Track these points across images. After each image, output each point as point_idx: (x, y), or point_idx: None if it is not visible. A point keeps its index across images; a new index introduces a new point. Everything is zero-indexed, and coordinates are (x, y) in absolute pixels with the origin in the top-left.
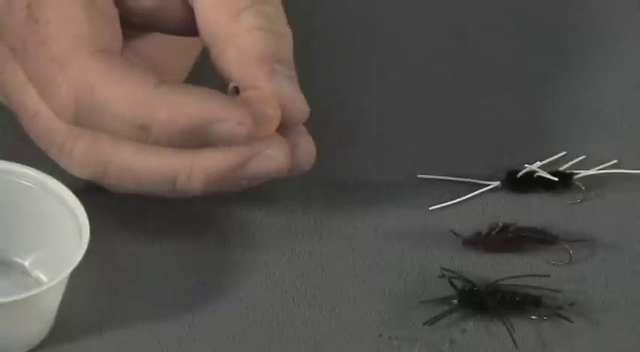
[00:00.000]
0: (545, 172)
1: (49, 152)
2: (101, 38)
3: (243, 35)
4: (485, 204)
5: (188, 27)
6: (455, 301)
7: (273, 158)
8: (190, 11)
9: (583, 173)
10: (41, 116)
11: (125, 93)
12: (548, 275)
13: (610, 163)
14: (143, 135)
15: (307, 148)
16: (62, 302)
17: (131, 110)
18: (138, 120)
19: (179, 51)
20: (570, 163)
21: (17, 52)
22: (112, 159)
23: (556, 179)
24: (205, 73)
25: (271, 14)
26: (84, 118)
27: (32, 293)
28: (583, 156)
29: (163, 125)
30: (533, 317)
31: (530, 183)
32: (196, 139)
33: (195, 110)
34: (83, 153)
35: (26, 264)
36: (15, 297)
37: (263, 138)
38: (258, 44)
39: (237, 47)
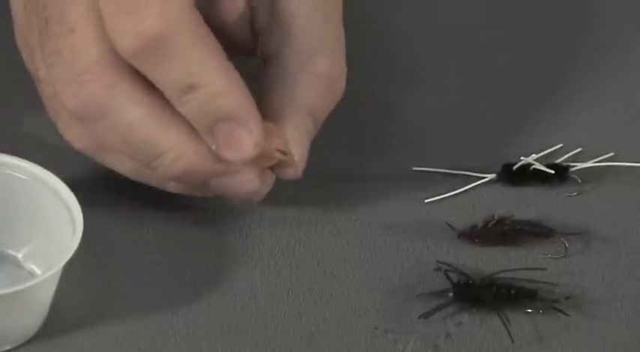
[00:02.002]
0: (541, 165)
1: (61, 71)
2: None
3: (308, 74)
4: (481, 196)
5: (246, 47)
6: (450, 294)
7: (249, 183)
8: (251, 34)
9: (579, 165)
10: (78, 33)
11: (202, 51)
12: (544, 269)
13: (607, 156)
14: (181, 96)
15: (270, 181)
16: (56, 294)
17: (197, 67)
18: (194, 79)
19: None
20: (567, 156)
21: None
22: (119, 108)
23: (552, 172)
24: None
25: (342, 67)
26: (149, 50)
27: (25, 285)
28: (579, 149)
29: (210, 95)
30: (529, 310)
31: (526, 176)
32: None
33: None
34: (96, 89)
35: (19, 256)
36: (8, 290)
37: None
38: (313, 93)
39: (296, 82)
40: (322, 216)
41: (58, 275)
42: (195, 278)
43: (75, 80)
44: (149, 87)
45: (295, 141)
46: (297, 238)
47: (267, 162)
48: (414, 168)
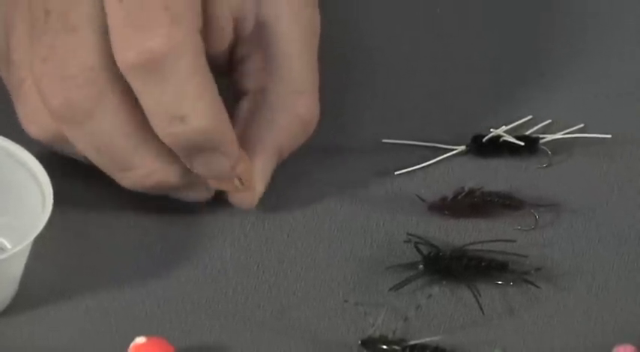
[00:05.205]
0: (510, 136)
1: (52, 68)
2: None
3: (289, 115)
4: (451, 168)
5: (218, 70)
6: (420, 266)
7: (202, 192)
8: (227, 60)
9: (549, 137)
10: (79, 34)
11: (197, 83)
12: (515, 241)
13: (576, 127)
14: (168, 124)
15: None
16: (26, 268)
17: (189, 98)
18: (183, 111)
19: None
20: (536, 127)
21: None
22: (102, 118)
23: (522, 143)
24: None
25: (317, 111)
26: (149, 68)
27: None
28: (549, 120)
29: (196, 130)
30: (500, 282)
31: (496, 148)
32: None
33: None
34: (84, 95)
35: None
36: None
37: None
38: (288, 133)
39: (275, 120)
40: (291, 190)
41: (28, 249)
42: (165, 251)
43: (65, 81)
44: (134, 101)
45: (261, 178)
46: (267, 211)
47: (226, 184)
48: (384, 141)
